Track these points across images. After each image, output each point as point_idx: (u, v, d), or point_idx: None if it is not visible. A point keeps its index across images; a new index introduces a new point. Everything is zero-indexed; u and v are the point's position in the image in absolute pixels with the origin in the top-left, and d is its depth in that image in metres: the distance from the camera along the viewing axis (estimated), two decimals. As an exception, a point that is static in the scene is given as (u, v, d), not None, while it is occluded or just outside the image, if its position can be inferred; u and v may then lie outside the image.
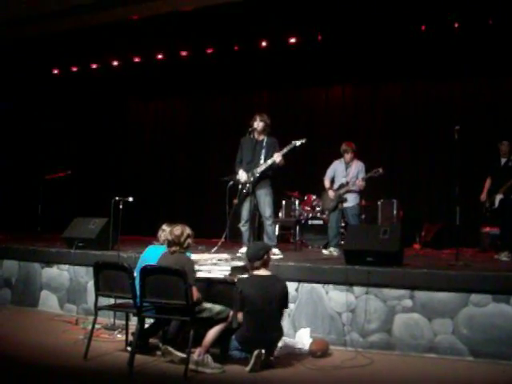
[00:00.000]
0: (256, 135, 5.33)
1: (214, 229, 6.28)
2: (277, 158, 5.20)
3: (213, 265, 4.27)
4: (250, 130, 5.30)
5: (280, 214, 7.64)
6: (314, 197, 7.38)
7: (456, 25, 6.45)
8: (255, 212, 5.61)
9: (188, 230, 3.80)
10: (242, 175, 5.28)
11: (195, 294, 3.63)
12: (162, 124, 9.62)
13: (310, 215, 7.27)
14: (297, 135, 5.48)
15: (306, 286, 4.36)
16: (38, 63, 8.02)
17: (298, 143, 5.29)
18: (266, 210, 5.37)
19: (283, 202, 7.71)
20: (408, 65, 7.34)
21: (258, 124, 5.35)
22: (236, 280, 3.75)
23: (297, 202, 7.57)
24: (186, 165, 9.30)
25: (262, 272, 3.69)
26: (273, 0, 6.47)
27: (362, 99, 8.31)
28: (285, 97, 8.69)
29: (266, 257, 3.67)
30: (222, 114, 9.15)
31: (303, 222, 7.13)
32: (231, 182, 5.34)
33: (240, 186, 5.30)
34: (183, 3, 6.51)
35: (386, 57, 7.37)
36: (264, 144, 5.35)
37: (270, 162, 5.26)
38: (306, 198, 7.51)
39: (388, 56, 7.33)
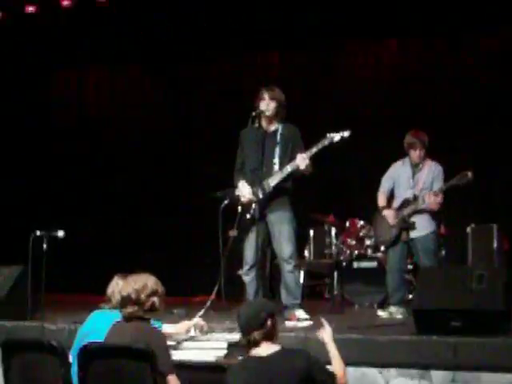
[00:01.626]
0: (264, 123, 5.23)
1: (198, 280, 6.45)
2: (301, 161, 5.01)
3: (198, 341, 4.29)
4: (253, 114, 5.11)
5: (306, 253, 7.57)
6: (362, 222, 7.29)
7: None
8: (266, 250, 5.70)
9: (154, 283, 3.65)
10: (244, 190, 5.20)
11: None
12: (109, 108, 9.43)
13: (356, 253, 7.17)
14: (328, 124, 5.57)
15: (352, 371, 4.20)
16: None
17: (336, 137, 5.13)
18: (285, 246, 5.18)
19: (311, 233, 7.59)
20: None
21: (268, 104, 5.18)
22: (228, 369, 3.48)
23: (333, 232, 7.43)
24: (154, 173, 8.91)
25: (264, 349, 3.34)
26: None
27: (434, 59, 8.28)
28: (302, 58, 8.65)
29: (269, 323, 3.32)
30: (212, 89, 8.98)
31: (345, 264, 7.04)
32: (226, 201, 5.29)
33: (241, 208, 5.23)
34: None
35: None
36: (278, 137, 5.25)
37: (289, 168, 5.11)
38: (347, 224, 7.42)
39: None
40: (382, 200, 6.00)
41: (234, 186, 5.38)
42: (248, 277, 5.30)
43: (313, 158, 5.17)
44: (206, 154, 8.72)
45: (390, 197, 6.07)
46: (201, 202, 6.94)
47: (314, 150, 5.12)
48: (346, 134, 5.15)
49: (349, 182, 8.20)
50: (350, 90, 8.47)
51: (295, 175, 5.24)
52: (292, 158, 5.18)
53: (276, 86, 5.40)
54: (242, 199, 5.24)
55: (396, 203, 5.97)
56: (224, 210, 5.33)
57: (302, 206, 5.87)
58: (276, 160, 5.22)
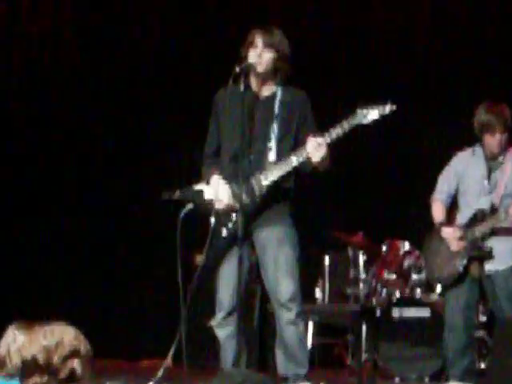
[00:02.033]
0: (255, 85, 4.82)
1: (147, 335, 6.69)
2: (314, 149, 4.56)
3: None
4: (236, 70, 4.60)
5: (318, 294, 7.04)
6: (407, 247, 6.79)
7: None
8: (253, 288, 5.77)
9: (74, 338, 3.22)
10: (220, 190, 4.75)
11: None
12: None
13: (398, 295, 6.67)
14: (357, 92, 5.97)
15: None
16: None
17: (371, 115, 4.69)
18: (283, 282, 4.73)
19: (326, 261, 7.06)
20: None
21: (262, 54, 4.70)
22: None
23: (361, 261, 6.86)
24: (75, 165, 8.49)
25: None
26: None
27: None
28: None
29: None
30: (164, 34, 8.33)
31: (379, 312, 6.58)
32: (189, 207, 4.72)
33: (214, 220, 4.72)
34: None
35: None
36: (276, 107, 4.82)
37: (294, 159, 4.68)
38: (384, 249, 6.90)
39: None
40: (438, 212, 5.67)
41: (201, 182, 4.85)
42: (223, 331, 4.76)
43: (333, 146, 4.69)
44: (158, 134, 8.10)
45: (452, 207, 5.74)
46: (149, 207, 6.92)
47: (336, 132, 4.62)
48: (388, 109, 4.66)
49: (386, 183, 7.72)
50: (391, 43, 7.97)
51: (303, 171, 4.79)
52: (298, 143, 4.72)
53: (276, 27, 4.88)
54: (217, 205, 4.69)
55: (462, 217, 5.62)
56: (186, 221, 4.66)
57: (311, 218, 6.39)
58: (272, 144, 4.78)
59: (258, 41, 4.65)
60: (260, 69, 4.64)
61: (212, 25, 8.08)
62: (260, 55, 4.66)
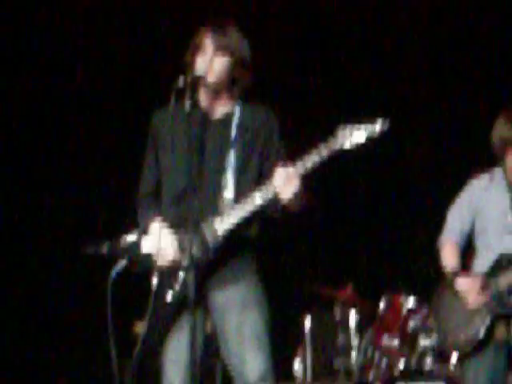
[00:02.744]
0: (205, 101, 4.65)
1: None
2: (283, 183, 4.40)
3: None
4: (179, 84, 4.39)
5: (297, 368, 7.05)
6: (411, 302, 6.63)
7: None
8: (212, 365, 5.95)
9: None
10: (163, 241, 4.54)
11: None
12: None
13: (403, 366, 6.46)
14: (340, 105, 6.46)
15: None
16: None
17: (359, 136, 4.49)
18: (250, 357, 4.50)
19: (306, 325, 7.00)
20: None
21: (213, 61, 4.58)
22: None
23: (352, 322, 6.82)
24: None
25: None
26: None
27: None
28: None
29: None
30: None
31: None
32: (121, 264, 4.57)
33: (157, 280, 4.51)
34: None
35: None
36: (234, 129, 4.69)
37: (258, 197, 4.48)
38: (382, 305, 6.77)
39: None
40: (450, 257, 5.51)
41: (140, 232, 4.65)
42: None
43: (309, 178, 4.46)
44: (76, 168, 8.12)
45: (467, 249, 5.64)
46: (69, 265, 7.00)
47: (312, 160, 4.41)
48: (378, 128, 4.40)
49: (381, 222, 7.84)
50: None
51: (270, 211, 4.55)
52: (263, 176, 4.55)
53: (231, 24, 4.76)
54: (159, 261, 4.43)
55: (481, 263, 5.41)
56: (117, 282, 4.49)
57: (288, 270, 6.78)
58: (228, 178, 4.61)
59: (208, 43, 4.40)
60: (211, 79, 4.38)
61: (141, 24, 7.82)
62: (210, 62, 4.42)
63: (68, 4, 8.44)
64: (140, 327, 5.20)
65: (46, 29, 8.71)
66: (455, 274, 5.31)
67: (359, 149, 4.39)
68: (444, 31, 8.27)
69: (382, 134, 4.36)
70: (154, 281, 4.33)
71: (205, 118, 4.46)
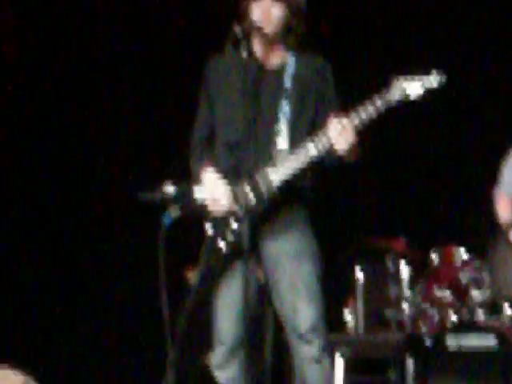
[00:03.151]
0: (259, 51, 4.61)
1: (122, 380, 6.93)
2: (338, 134, 4.37)
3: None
4: (235, 32, 4.41)
5: (349, 319, 7.02)
6: (465, 255, 6.60)
7: None
8: (264, 315, 5.91)
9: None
10: (217, 190, 4.54)
11: None
12: None
13: (455, 318, 6.46)
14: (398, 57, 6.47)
15: None
16: None
17: (414, 89, 4.48)
18: (302, 307, 4.57)
19: (359, 276, 6.99)
20: None
21: (268, 10, 4.56)
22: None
23: (405, 273, 6.78)
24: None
25: None
26: None
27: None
28: None
29: None
30: None
31: (430, 342, 6.27)
32: (174, 211, 4.59)
33: (211, 228, 4.56)
34: None
35: None
36: (289, 80, 4.67)
37: (313, 147, 4.46)
38: (434, 257, 6.72)
39: None
40: (505, 209, 5.73)
41: (192, 180, 4.66)
42: (225, 372, 4.56)
43: (364, 130, 4.44)
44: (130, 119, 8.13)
45: None
46: (121, 212, 7.11)
47: (367, 112, 4.37)
48: (435, 80, 4.39)
49: (433, 173, 7.68)
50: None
51: (324, 163, 4.56)
52: (317, 126, 4.50)
53: None
54: (213, 209, 4.46)
55: None
56: (171, 230, 4.50)
57: (339, 220, 6.72)
58: (282, 128, 4.58)
59: None
60: (268, 29, 4.36)
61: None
62: (266, 12, 4.39)
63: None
64: (192, 274, 5.29)
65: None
66: (511, 226, 5.45)
67: (414, 102, 4.39)
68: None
69: (439, 87, 4.36)
70: (208, 229, 4.42)
71: (260, 68, 4.47)
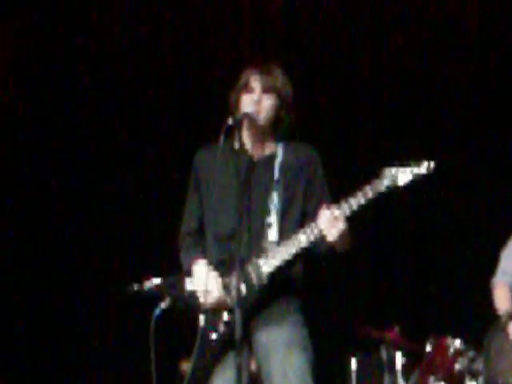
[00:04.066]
0: (249, 142, 4.69)
1: None
2: (329, 225, 4.42)
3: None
4: (229, 121, 4.43)
5: None
6: (458, 345, 6.36)
7: None
8: None
9: None
10: (209, 281, 4.55)
11: None
12: None
13: None
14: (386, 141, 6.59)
15: None
16: None
17: (404, 177, 4.53)
18: None
19: (352, 366, 6.86)
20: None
21: (261, 101, 4.61)
22: None
23: (398, 364, 6.62)
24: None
25: None
26: None
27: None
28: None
29: None
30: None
31: None
32: (164, 305, 4.65)
33: (203, 320, 4.57)
34: None
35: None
36: (277, 170, 4.73)
37: (303, 239, 4.50)
38: (429, 348, 6.51)
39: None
40: (503, 299, 5.65)
41: (182, 272, 4.67)
42: None
43: (355, 218, 4.46)
44: (117, 206, 8.03)
45: None
46: (108, 304, 7.11)
47: (358, 201, 4.41)
48: (424, 168, 4.42)
49: (428, 262, 7.57)
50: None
51: (315, 253, 4.57)
52: (307, 217, 4.57)
53: (276, 64, 4.81)
54: (204, 300, 4.45)
55: None
56: (160, 322, 4.57)
57: (332, 310, 6.64)
58: (272, 219, 4.60)
59: (255, 84, 4.45)
60: (261, 120, 4.43)
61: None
62: (260, 102, 4.46)
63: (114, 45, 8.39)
64: (186, 365, 5.21)
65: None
66: (510, 317, 5.37)
67: (404, 191, 4.40)
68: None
69: (428, 176, 4.35)
70: (201, 320, 4.40)
71: (250, 159, 4.52)
